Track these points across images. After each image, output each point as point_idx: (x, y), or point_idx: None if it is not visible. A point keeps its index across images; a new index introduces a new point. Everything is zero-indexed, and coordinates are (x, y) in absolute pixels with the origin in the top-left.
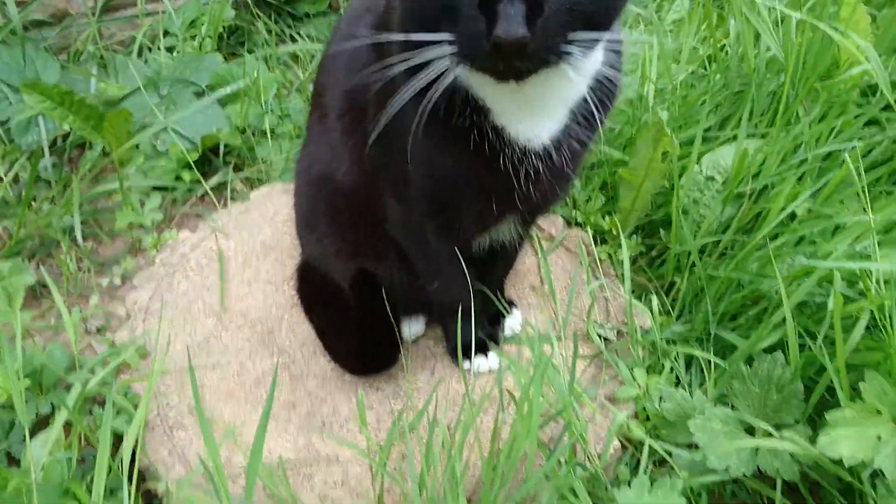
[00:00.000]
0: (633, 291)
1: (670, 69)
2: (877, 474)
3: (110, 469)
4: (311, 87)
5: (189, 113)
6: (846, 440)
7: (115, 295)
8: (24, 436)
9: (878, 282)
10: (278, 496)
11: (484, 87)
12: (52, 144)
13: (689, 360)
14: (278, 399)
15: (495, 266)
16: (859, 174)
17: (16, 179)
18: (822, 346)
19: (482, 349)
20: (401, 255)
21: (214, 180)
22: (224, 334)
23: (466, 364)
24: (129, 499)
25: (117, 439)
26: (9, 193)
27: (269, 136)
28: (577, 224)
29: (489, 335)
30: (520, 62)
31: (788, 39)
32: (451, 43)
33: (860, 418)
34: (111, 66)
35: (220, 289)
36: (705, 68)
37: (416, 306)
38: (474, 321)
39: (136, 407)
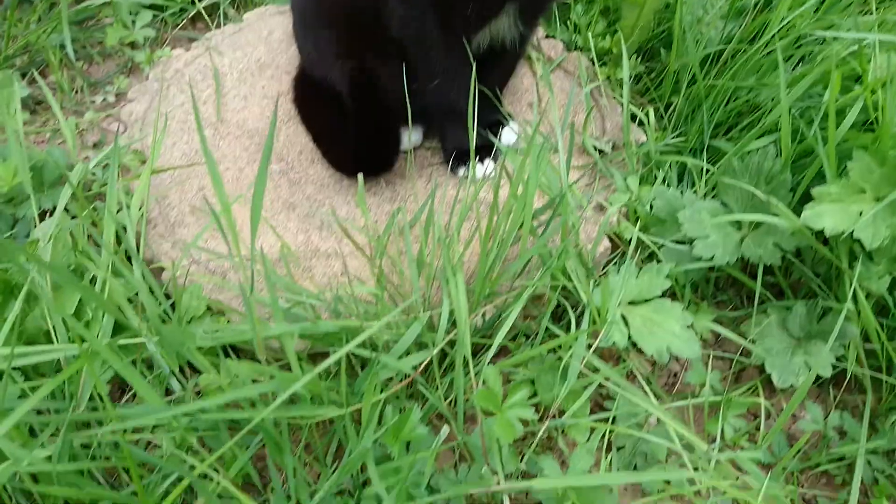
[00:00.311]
0: (630, 109)
1: None
2: (854, 250)
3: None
4: None
5: None
6: (830, 214)
7: (108, 112)
8: (32, 221)
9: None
10: (282, 282)
11: None
12: None
13: (682, 172)
14: (277, 200)
15: (494, 68)
16: None
17: None
18: (818, 132)
19: (478, 155)
20: (400, 53)
21: (207, 0)
22: (222, 143)
23: (462, 170)
24: (140, 271)
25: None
26: None
27: None
28: (578, 48)
29: (486, 143)
30: None
31: None
32: None
33: (845, 194)
34: None
35: (216, 102)
36: None
37: (415, 115)
38: (471, 125)
39: (139, 206)
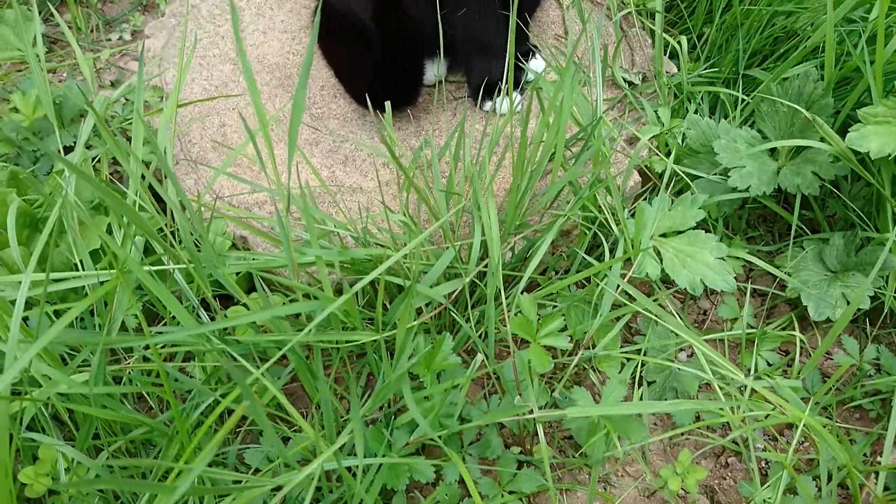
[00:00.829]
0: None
1: None
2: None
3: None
4: None
5: None
6: (875, 136)
7: (125, 50)
8: (57, 150)
9: None
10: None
11: None
12: None
13: (714, 105)
14: (300, 137)
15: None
16: None
17: None
18: (864, 48)
19: (505, 88)
20: None
21: None
22: (241, 78)
23: (488, 104)
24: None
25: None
26: None
27: None
28: None
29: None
30: None
31: None
32: None
33: (892, 115)
34: None
35: (234, 37)
36: None
37: (440, 47)
38: (499, 57)
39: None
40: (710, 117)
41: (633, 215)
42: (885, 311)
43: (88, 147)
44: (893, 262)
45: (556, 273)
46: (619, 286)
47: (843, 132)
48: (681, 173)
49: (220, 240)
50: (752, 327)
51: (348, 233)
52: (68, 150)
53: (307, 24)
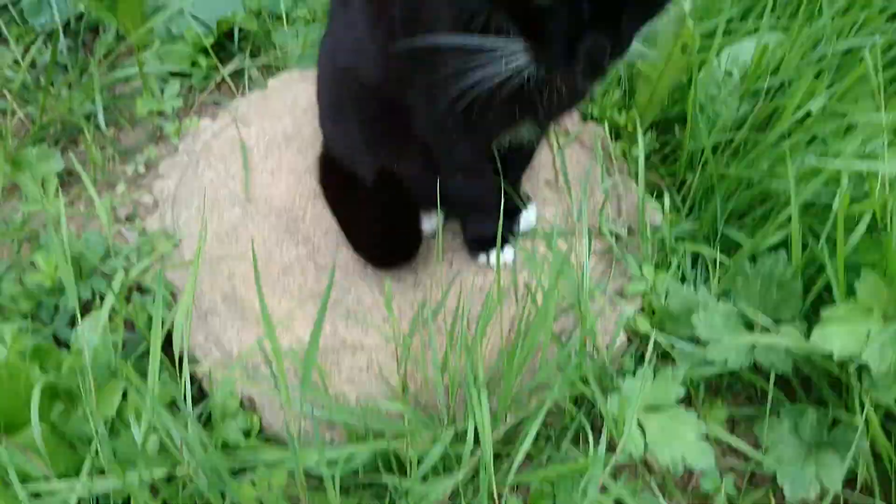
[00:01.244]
0: (645, 188)
1: None
2: (863, 367)
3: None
4: None
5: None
6: (838, 335)
7: (140, 183)
8: (73, 317)
9: (883, 184)
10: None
11: None
12: (66, 26)
13: (696, 258)
14: (304, 288)
15: (514, 163)
16: (877, 71)
17: (31, 63)
18: (825, 245)
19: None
20: (424, 149)
21: (231, 67)
22: (250, 223)
23: (482, 257)
24: (183, 380)
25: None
26: (27, 78)
27: (284, 20)
28: (593, 118)
29: (505, 229)
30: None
31: None
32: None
33: (853, 315)
34: None
35: (244, 178)
36: None
37: (436, 201)
38: (492, 216)
39: (172, 294)
40: (693, 267)
41: (615, 389)
42: (858, 488)
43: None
44: (862, 445)
45: (548, 440)
46: (600, 481)
47: (818, 305)
48: (663, 344)
49: (229, 401)
50: (733, 500)
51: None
52: (86, 303)
53: (311, 166)
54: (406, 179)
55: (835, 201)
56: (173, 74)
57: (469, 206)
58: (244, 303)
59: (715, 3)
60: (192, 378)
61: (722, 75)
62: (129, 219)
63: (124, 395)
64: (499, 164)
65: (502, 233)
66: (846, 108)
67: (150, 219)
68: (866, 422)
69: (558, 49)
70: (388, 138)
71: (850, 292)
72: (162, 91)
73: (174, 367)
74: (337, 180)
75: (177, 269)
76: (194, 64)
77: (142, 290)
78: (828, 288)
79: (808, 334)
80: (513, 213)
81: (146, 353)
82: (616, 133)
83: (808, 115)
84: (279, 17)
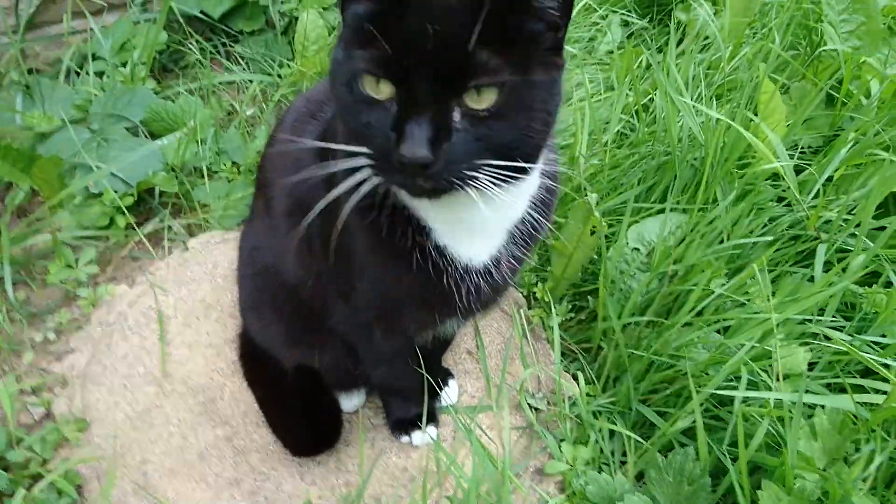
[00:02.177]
0: (562, 356)
1: (599, 124)
2: None
3: None
4: (256, 172)
5: (124, 159)
6: None
7: (49, 350)
8: None
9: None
10: None
11: (425, 208)
12: None
13: (613, 433)
14: (222, 475)
15: (435, 351)
16: (762, 270)
17: None
18: (727, 443)
19: (419, 423)
20: (345, 343)
21: (149, 227)
22: (166, 403)
23: (405, 438)
24: None
25: None
26: None
27: (205, 176)
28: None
29: (429, 409)
30: (423, 182)
31: (709, 121)
32: (368, 156)
33: None
34: (37, 91)
35: (160, 353)
36: (632, 120)
37: (359, 382)
38: (414, 398)
39: (78, 488)
40: (611, 440)
41: None
42: None
43: None
44: None
45: None
46: None
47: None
48: None
49: None
50: None
51: None
52: None
53: (231, 338)
54: (325, 369)
55: (735, 403)
56: (89, 238)
57: (391, 390)
58: (156, 492)
59: (620, 179)
60: None
61: (630, 251)
62: (36, 391)
63: None
64: (421, 355)
65: (426, 412)
66: (742, 295)
67: (58, 399)
68: None
69: (385, 142)
70: (308, 334)
71: (755, 497)
72: (76, 259)
73: None
74: (257, 360)
75: (84, 462)
76: (112, 223)
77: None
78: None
79: None
80: (435, 392)
81: None
82: (534, 298)
83: (709, 293)
84: (201, 172)
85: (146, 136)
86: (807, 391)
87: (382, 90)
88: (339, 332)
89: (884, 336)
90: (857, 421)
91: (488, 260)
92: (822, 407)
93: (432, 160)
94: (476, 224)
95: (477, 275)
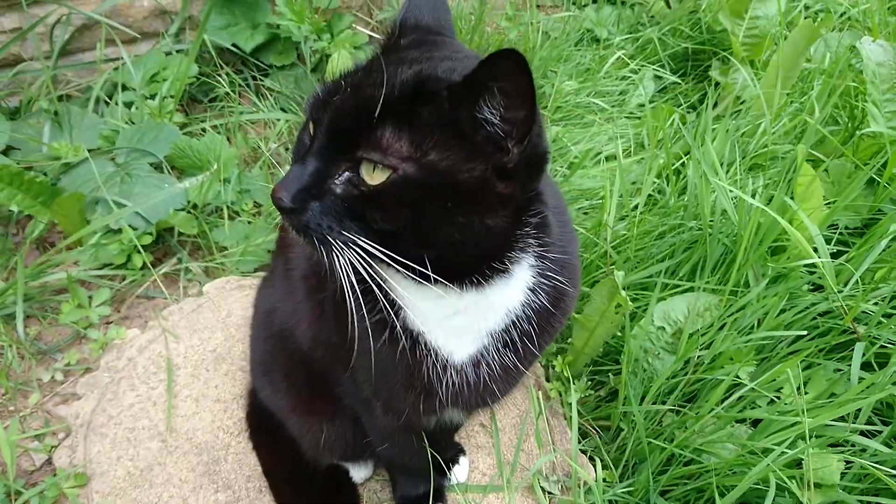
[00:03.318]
0: (579, 435)
1: (627, 189)
2: None
3: None
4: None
5: (146, 196)
6: None
7: (55, 391)
8: None
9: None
10: None
11: (409, 299)
12: None
13: None
14: None
15: (443, 434)
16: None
17: None
18: None
19: (428, 501)
20: (354, 416)
21: (166, 267)
22: (168, 460)
23: None
24: None
25: None
26: None
27: (225, 216)
28: None
29: (436, 488)
30: (287, 221)
31: (742, 203)
32: None
33: None
34: (65, 119)
35: (167, 405)
36: (662, 182)
37: (365, 453)
38: (422, 475)
39: None
40: None
41: None
42: None
43: None
44: None
45: None
46: None
47: None
48: None
49: None
50: None
51: None
52: None
53: (239, 394)
54: (333, 439)
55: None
56: (104, 277)
57: (398, 468)
58: None
59: (650, 250)
60: None
61: (654, 329)
62: (39, 437)
63: None
64: (425, 438)
65: (433, 490)
66: (773, 385)
67: (60, 449)
68: None
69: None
70: (317, 403)
71: None
72: (90, 297)
73: None
74: (264, 423)
75: None
76: (129, 260)
77: None
78: None
79: None
80: (444, 469)
81: None
82: (552, 369)
83: (736, 385)
84: (221, 215)
85: (169, 173)
86: None
87: (310, 120)
88: (346, 402)
89: None
90: None
91: (466, 359)
92: None
93: (291, 208)
94: (435, 314)
95: (455, 372)
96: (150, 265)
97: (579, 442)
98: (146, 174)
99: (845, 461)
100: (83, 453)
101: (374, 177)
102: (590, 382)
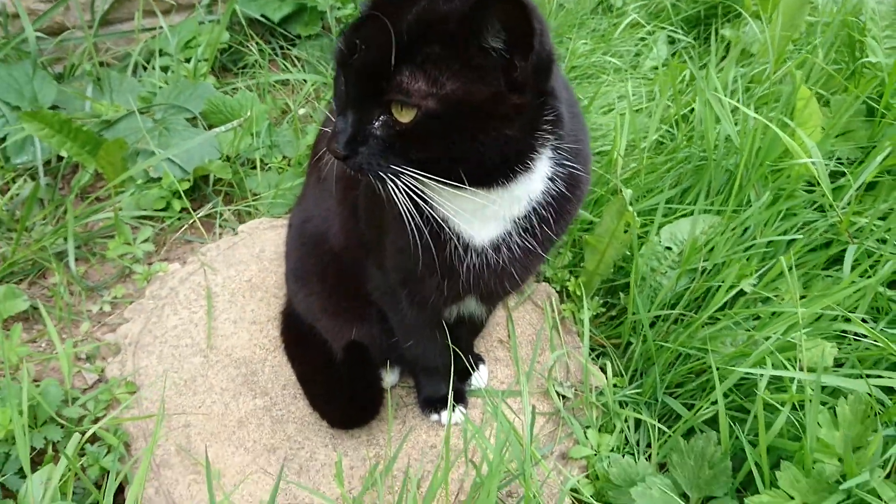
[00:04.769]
0: (591, 350)
1: (638, 132)
2: None
3: None
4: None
5: (183, 146)
6: None
7: (104, 321)
8: (22, 471)
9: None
10: None
11: (445, 202)
12: (46, 163)
13: (638, 423)
14: (260, 442)
15: (464, 331)
16: (791, 268)
17: (10, 198)
18: (748, 433)
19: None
20: (381, 315)
21: (203, 211)
22: (210, 373)
23: (434, 416)
24: None
25: (104, 473)
26: (2, 213)
27: (258, 167)
28: (546, 279)
29: (457, 390)
30: (345, 167)
31: (745, 126)
32: None
33: (776, 503)
34: (106, 82)
35: (207, 326)
36: (671, 129)
37: (394, 360)
38: (444, 378)
39: (125, 445)
40: (636, 431)
41: None
42: None
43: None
44: None
45: None
46: None
47: (746, 485)
48: None
49: None
50: None
51: None
52: (38, 452)
53: (273, 316)
54: (366, 343)
55: (760, 385)
56: (146, 218)
57: (422, 368)
58: (198, 453)
59: (656, 183)
60: None
61: (662, 249)
62: (90, 359)
63: None
64: (449, 332)
65: (454, 393)
66: (772, 291)
67: (111, 364)
68: None
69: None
70: (348, 303)
71: (774, 480)
72: (134, 238)
73: None
74: (298, 336)
75: (133, 420)
76: (168, 206)
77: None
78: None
79: None
80: (465, 374)
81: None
82: (566, 292)
83: (739, 294)
84: (253, 164)
85: (205, 128)
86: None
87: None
88: (374, 299)
89: None
90: (882, 411)
91: (487, 244)
92: (846, 397)
93: (346, 156)
94: (467, 208)
95: (475, 254)
96: (189, 209)
97: (590, 355)
98: (183, 128)
99: (840, 353)
100: (132, 367)
101: (404, 115)
102: (601, 303)
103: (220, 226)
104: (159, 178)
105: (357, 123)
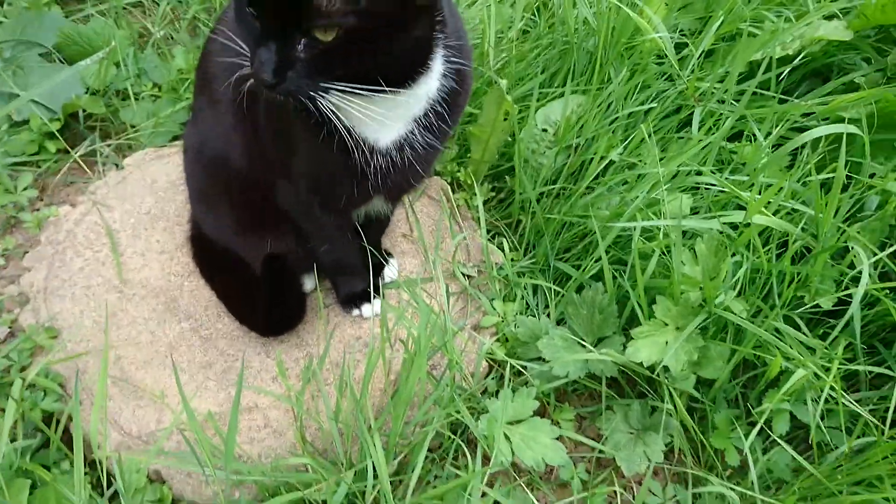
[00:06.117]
0: (487, 231)
1: (504, 23)
2: (666, 367)
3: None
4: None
5: (44, 85)
6: (644, 348)
7: (1, 275)
8: None
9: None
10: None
11: (360, 109)
12: None
13: (536, 288)
14: (194, 361)
15: (372, 229)
16: (650, 134)
17: None
18: (628, 277)
19: (367, 297)
20: (294, 226)
21: (82, 149)
22: (129, 305)
23: (356, 311)
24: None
25: (48, 416)
26: None
27: (131, 98)
28: (437, 173)
29: (374, 284)
30: (274, 95)
31: (600, 8)
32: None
33: (653, 331)
34: None
35: (115, 263)
36: (534, 16)
37: (309, 265)
38: (359, 275)
39: (60, 385)
40: (534, 297)
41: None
42: (677, 454)
43: None
44: (673, 424)
45: (434, 462)
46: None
47: (630, 324)
48: (517, 366)
49: (136, 476)
50: (585, 482)
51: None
52: None
53: (181, 243)
54: (288, 260)
55: (634, 237)
56: (21, 164)
57: (338, 269)
58: (135, 381)
59: (527, 70)
60: (97, 463)
61: (539, 132)
62: None
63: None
64: (360, 231)
65: (369, 288)
66: (637, 157)
67: (24, 313)
68: (674, 406)
69: (251, 56)
70: (258, 219)
71: (651, 313)
72: (14, 185)
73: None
74: (212, 258)
75: (62, 361)
76: (42, 149)
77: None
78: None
79: (626, 344)
80: (378, 269)
81: (44, 445)
82: (458, 185)
83: (610, 163)
84: (125, 95)
85: (61, 62)
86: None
87: (250, 9)
88: (285, 209)
89: (748, 176)
90: (730, 244)
91: (391, 144)
92: (702, 237)
93: (276, 83)
94: (379, 112)
95: (381, 156)
96: (68, 148)
97: (487, 235)
98: (38, 65)
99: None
100: (46, 313)
101: (326, 35)
102: (490, 188)
103: (103, 163)
104: (26, 122)
105: (281, 51)
